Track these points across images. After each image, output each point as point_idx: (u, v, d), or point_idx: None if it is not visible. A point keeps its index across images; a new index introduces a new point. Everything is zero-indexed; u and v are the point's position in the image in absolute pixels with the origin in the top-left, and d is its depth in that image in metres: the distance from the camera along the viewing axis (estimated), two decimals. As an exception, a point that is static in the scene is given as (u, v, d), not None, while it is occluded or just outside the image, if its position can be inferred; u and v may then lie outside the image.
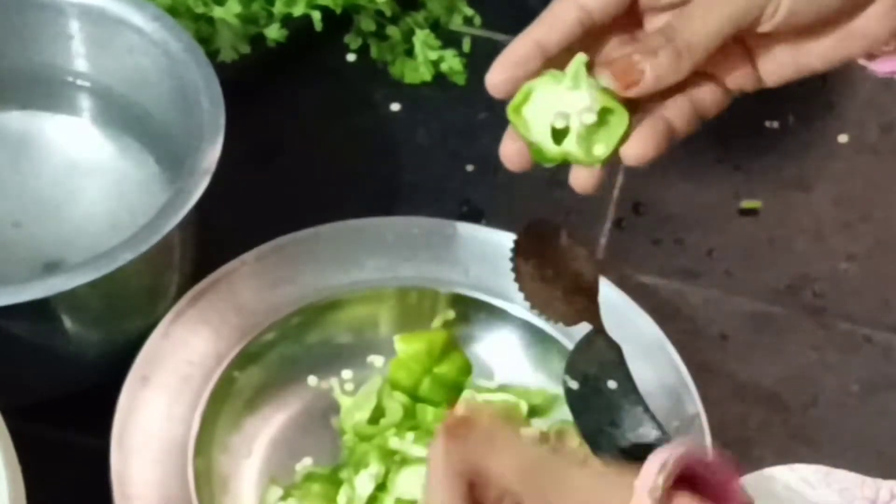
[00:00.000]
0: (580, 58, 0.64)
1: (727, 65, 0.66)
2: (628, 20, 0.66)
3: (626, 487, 0.56)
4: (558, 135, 0.66)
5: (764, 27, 0.64)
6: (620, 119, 0.65)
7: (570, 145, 0.66)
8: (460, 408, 0.66)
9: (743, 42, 0.66)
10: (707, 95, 0.66)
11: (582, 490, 0.58)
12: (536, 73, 0.65)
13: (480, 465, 0.59)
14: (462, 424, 0.60)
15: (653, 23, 0.65)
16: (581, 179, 0.66)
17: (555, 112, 0.65)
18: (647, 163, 0.63)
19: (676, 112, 0.65)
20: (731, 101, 0.67)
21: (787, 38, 0.65)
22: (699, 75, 0.65)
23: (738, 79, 0.66)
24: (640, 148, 0.64)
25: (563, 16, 0.63)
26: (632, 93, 0.63)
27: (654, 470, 0.56)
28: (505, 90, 0.65)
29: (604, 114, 0.65)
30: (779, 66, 0.66)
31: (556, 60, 0.65)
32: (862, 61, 0.68)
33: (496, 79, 0.64)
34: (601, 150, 0.66)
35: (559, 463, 0.59)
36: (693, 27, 0.62)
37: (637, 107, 0.65)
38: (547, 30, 0.63)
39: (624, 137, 0.65)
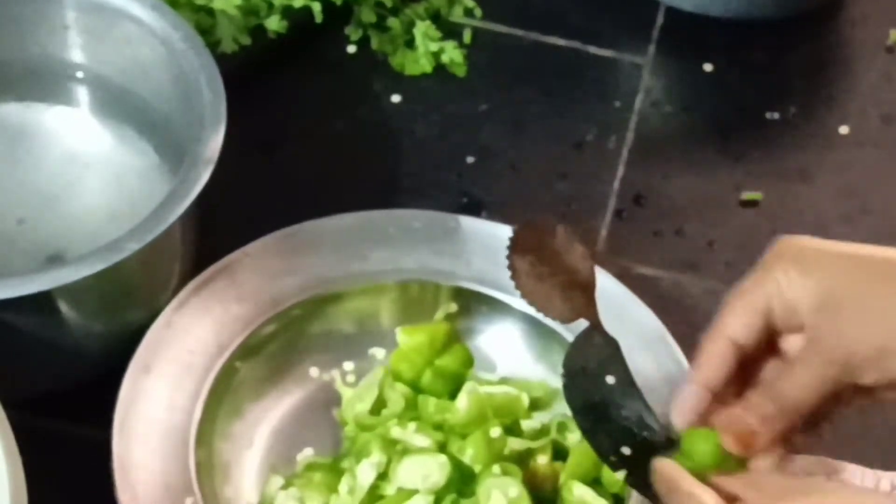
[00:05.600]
0: None
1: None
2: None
3: None
4: None
5: (865, 383, 0.68)
6: None
7: None
8: None
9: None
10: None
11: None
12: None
13: None
14: None
15: (788, 342, 0.70)
16: None
17: None
18: None
19: None
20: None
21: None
22: None
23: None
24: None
25: (720, 354, 0.70)
26: (748, 454, 0.69)
27: None
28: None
29: None
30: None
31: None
32: None
33: (680, 424, 0.71)
34: None
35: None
36: (797, 392, 0.68)
37: None
38: (712, 372, 0.70)
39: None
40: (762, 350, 0.71)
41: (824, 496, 0.63)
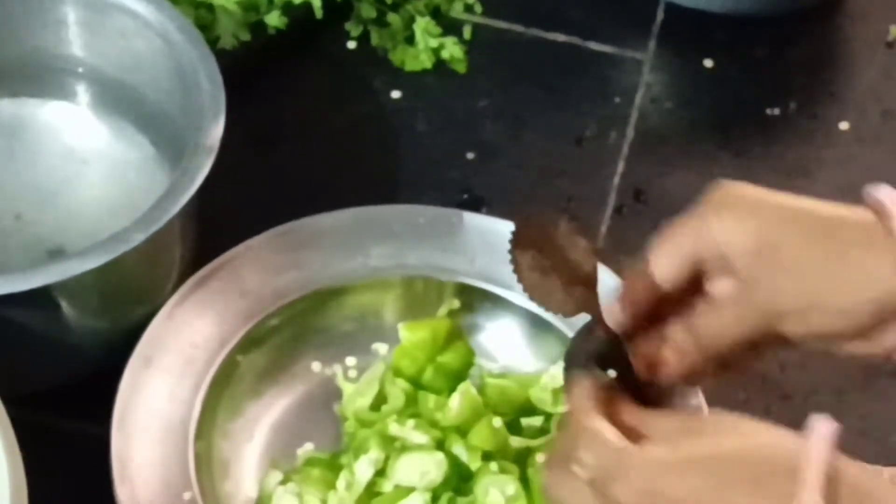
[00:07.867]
0: None
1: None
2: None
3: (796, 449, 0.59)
4: None
5: (787, 333, 0.67)
6: None
7: None
8: None
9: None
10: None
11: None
12: None
13: None
14: None
15: (715, 285, 0.68)
16: None
17: None
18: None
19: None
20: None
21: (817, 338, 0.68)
22: None
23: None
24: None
25: (637, 292, 0.69)
26: (654, 380, 0.69)
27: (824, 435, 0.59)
28: None
29: None
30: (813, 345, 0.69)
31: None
32: None
33: None
34: None
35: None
36: (717, 332, 0.67)
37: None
38: (623, 313, 0.69)
39: None
40: (687, 293, 0.69)
41: (719, 438, 0.60)
